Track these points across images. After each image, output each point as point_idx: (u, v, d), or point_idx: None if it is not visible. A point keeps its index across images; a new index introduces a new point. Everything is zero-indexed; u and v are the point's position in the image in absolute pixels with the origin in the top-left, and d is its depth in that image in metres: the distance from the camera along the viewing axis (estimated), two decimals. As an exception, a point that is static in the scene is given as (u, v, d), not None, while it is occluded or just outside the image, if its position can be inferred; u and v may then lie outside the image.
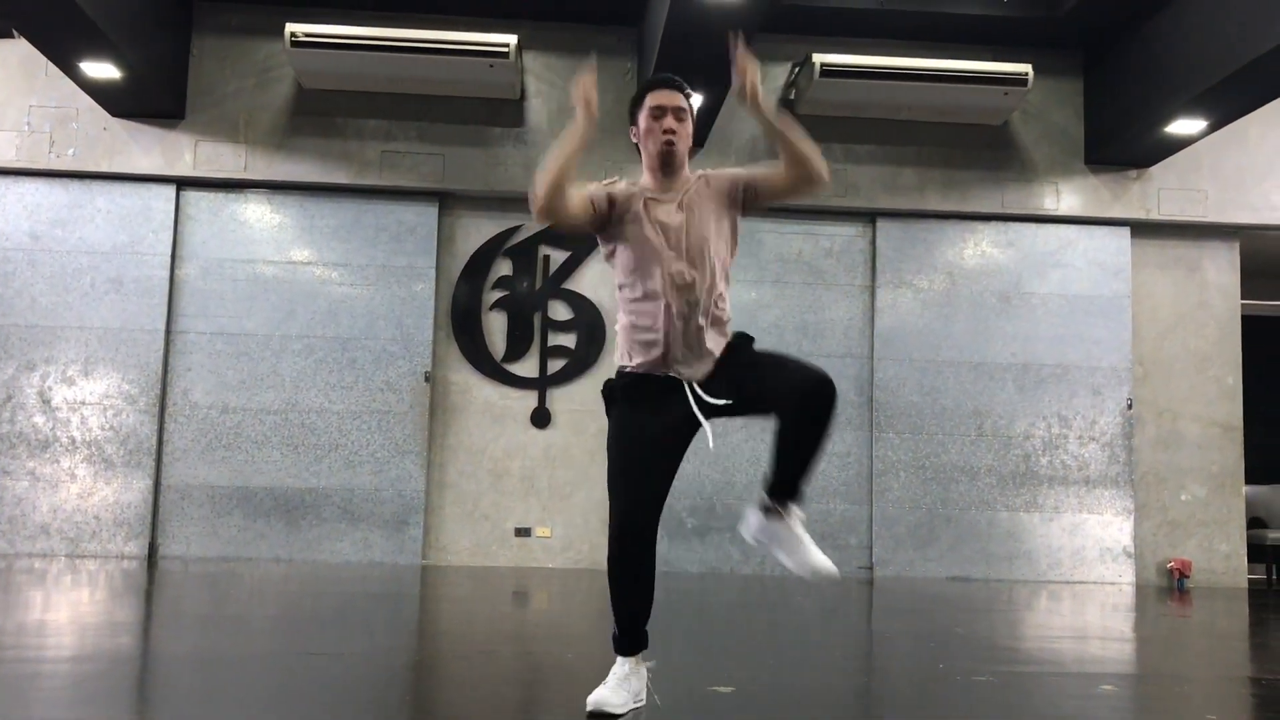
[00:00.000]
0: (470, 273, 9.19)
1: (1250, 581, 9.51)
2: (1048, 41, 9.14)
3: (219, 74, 9.01)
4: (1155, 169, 9.31)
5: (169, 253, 8.90)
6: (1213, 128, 8.49)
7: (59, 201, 8.92)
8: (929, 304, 9.30)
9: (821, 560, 3.20)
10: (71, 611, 5.53)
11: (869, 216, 9.37)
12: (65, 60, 7.97)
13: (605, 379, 3.37)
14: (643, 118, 3.33)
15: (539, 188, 3.17)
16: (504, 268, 9.22)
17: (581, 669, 4.41)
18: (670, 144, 3.29)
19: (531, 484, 9.06)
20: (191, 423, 8.82)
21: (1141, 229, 9.48)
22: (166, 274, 8.88)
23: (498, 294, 9.21)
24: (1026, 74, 8.65)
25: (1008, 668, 4.52)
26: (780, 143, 3.24)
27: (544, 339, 9.18)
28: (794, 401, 3.10)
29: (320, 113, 9.03)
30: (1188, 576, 9.06)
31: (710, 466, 8.79)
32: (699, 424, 3.23)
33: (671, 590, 7.41)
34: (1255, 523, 9.92)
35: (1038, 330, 9.30)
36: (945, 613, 6.66)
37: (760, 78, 3.20)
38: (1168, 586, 9.06)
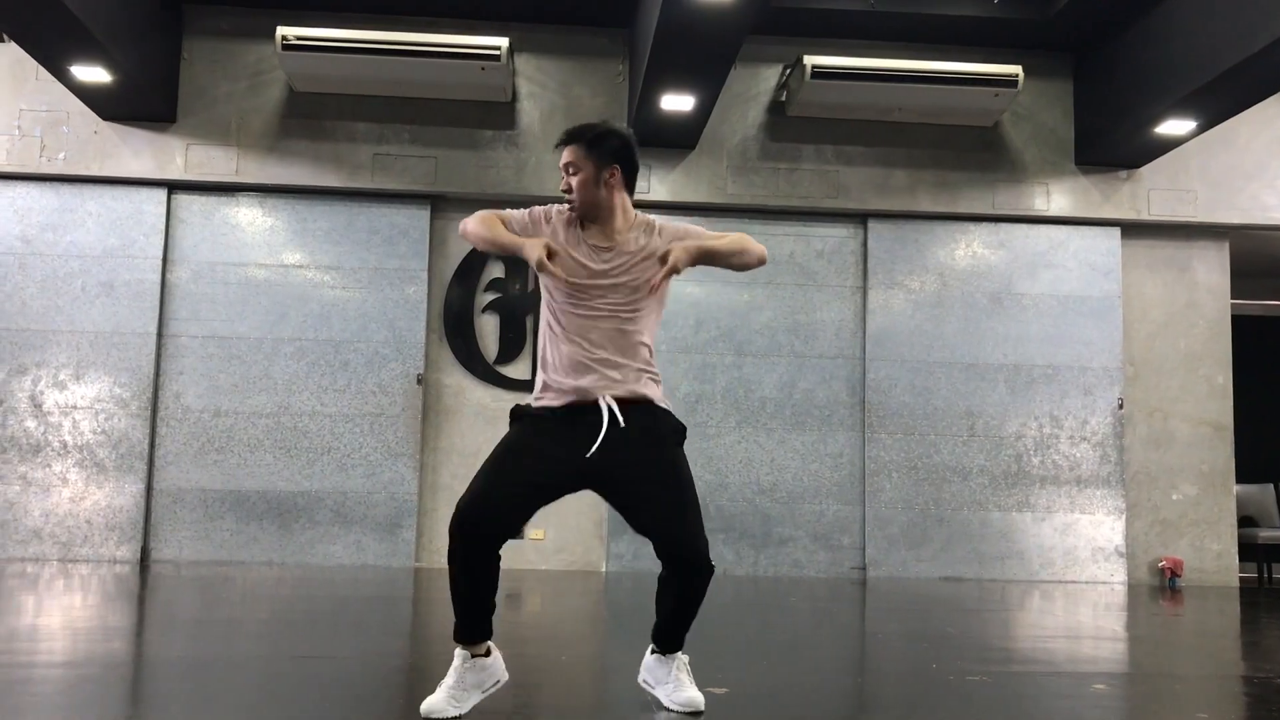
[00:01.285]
0: (462, 275, 9.18)
1: (1241, 580, 9.55)
2: (1038, 43, 9.17)
3: (210, 77, 9.00)
4: (1145, 169, 9.34)
5: (160, 256, 8.89)
6: (1202, 128, 8.52)
7: (50, 205, 8.91)
8: (920, 305, 9.32)
9: (692, 695, 3.28)
10: (64, 616, 5.52)
11: (860, 218, 9.39)
12: (55, 64, 7.94)
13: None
14: None
15: (472, 231, 3.34)
16: (496, 270, 9.22)
17: (574, 671, 4.42)
18: (570, 203, 3.31)
19: (524, 486, 9.04)
20: (183, 426, 8.81)
21: (1132, 229, 9.51)
22: (158, 277, 8.87)
23: (490, 296, 9.21)
24: (1017, 75, 8.68)
25: (1000, 667, 4.53)
26: (715, 262, 3.31)
27: (536, 341, 9.17)
28: (680, 570, 3.20)
29: (312, 116, 9.02)
30: (1179, 575, 9.10)
31: (703, 468, 8.79)
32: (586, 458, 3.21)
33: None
34: (1246, 521, 9.95)
35: (1029, 331, 9.32)
36: (938, 613, 6.67)
37: (683, 259, 3.20)
38: (1159, 585, 9.09)
